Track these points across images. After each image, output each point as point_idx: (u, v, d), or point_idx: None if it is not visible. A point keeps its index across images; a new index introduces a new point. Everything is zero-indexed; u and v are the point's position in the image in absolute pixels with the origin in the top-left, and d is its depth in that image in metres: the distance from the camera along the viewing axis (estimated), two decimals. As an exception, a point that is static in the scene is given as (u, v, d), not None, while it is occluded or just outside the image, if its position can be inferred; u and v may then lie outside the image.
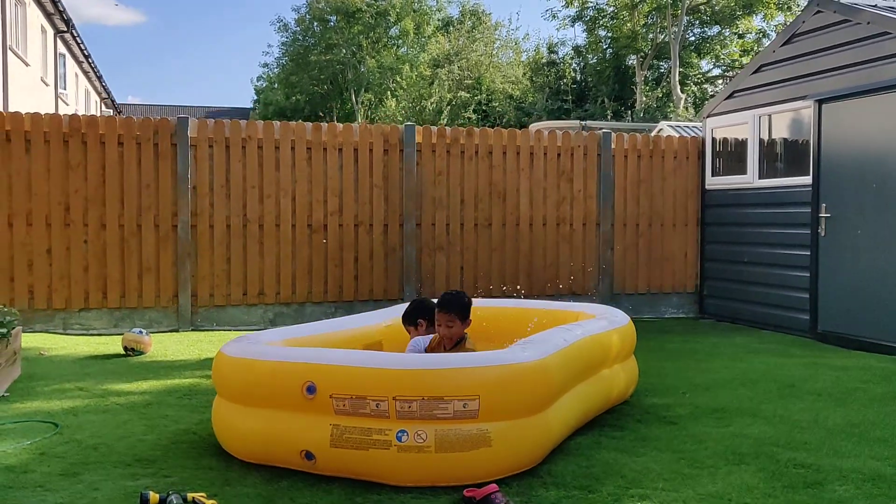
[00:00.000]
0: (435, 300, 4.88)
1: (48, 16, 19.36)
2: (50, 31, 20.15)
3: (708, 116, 10.00)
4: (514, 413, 3.59)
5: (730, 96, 9.60)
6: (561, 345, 4.03)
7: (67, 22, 20.05)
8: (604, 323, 4.87)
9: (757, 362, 6.83)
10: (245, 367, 3.93)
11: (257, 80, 48.19)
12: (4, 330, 5.30)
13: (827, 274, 8.06)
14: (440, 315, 4.40)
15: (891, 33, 7.31)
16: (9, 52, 14.71)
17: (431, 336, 4.58)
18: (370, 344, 4.99)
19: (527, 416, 3.64)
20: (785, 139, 8.83)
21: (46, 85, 19.62)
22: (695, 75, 31.13)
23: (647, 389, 5.60)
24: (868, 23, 7.56)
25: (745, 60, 30.06)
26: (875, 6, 8.00)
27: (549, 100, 27.52)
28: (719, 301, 9.78)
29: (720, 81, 31.84)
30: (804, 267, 8.33)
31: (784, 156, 8.83)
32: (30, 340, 7.33)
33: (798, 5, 27.79)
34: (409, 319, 4.91)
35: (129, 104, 56.16)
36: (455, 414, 3.47)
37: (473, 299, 6.37)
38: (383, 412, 3.51)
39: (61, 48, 21.86)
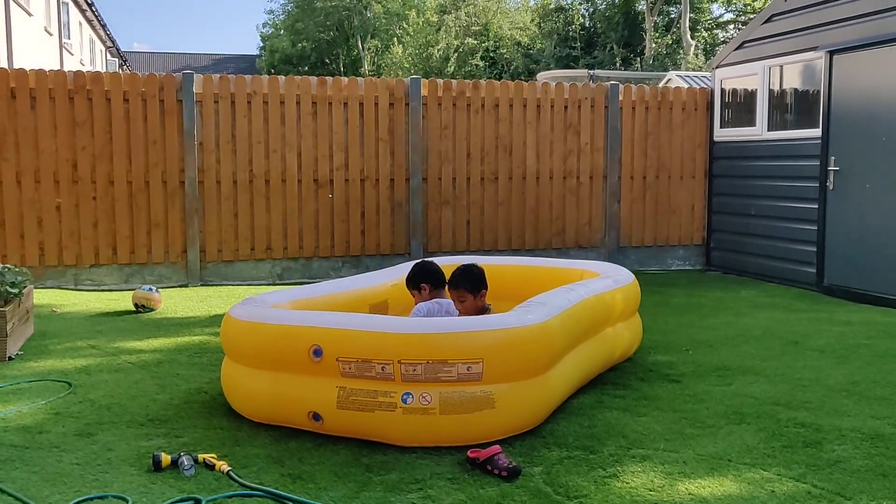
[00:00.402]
0: (434, 261, 4.97)
1: (49, -37, 19.11)
2: (52, -20, 19.90)
3: (717, 67, 9.87)
4: (516, 375, 3.65)
5: (739, 46, 9.46)
6: (563, 306, 4.07)
7: (69, -31, 19.81)
8: (608, 282, 4.89)
9: (762, 317, 6.87)
10: (253, 331, 3.99)
11: (263, 27, 47.66)
12: (16, 290, 5.37)
13: (834, 227, 8.05)
14: (451, 293, 4.49)
15: (905, -17, 7.17)
16: (11, 4, 14.56)
17: (436, 301, 4.64)
18: (376, 304, 5.05)
19: (529, 378, 3.70)
20: (795, 91, 8.73)
21: (50, 35, 19.46)
22: (706, 20, 30.61)
23: (650, 346, 5.66)
24: (882, -28, 7.41)
25: (757, 5, 29.50)
26: (890, -46, 7.83)
27: (557, 47, 27.17)
28: (726, 254, 9.79)
29: (732, 27, 31.31)
30: (812, 220, 8.31)
31: (794, 108, 8.74)
32: (42, 297, 7.43)
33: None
34: (412, 283, 4.94)
35: (135, 51, 55.71)
36: (459, 377, 3.53)
37: (476, 255, 6.41)
38: (389, 375, 3.58)
39: (64, -4, 21.61)
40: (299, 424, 3.83)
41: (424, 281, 4.86)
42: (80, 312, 6.98)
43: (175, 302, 7.49)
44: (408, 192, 9.09)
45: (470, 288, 4.45)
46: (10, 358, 5.22)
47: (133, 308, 7.04)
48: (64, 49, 21.19)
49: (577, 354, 4.27)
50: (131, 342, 5.83)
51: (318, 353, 3.71)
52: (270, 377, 3.92)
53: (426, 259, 5.26)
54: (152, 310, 7.02)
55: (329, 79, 8.87)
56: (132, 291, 7.34)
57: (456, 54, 28.22)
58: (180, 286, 8.44)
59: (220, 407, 4.26)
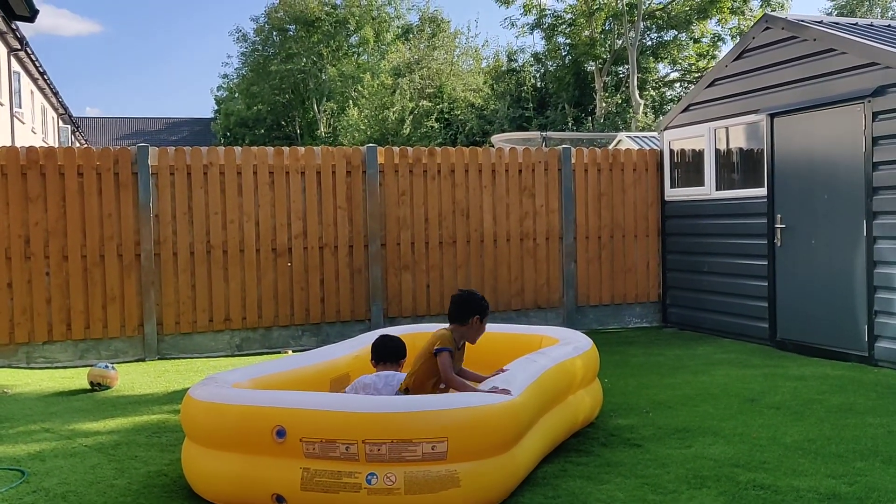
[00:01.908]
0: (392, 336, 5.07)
1: (1, 34, 19.07)
2: (3, 50, 19.84)
3: (665, 129, 10.19)
4: (482, 453, 3.67)
5: (685, 109, 9.80)
6: (527, 381, 4.12)
7: (21, 40, 19.77)
8: (568, 349, 4.97)
9: (718, 375, 6.99)
10: (214, 412, 3.96)
11: (217, 91, 47.86)
12: (-33, 374, 5.26)
13: (784, 283, 8.28)
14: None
15: (836, 50, 7.55)
16: (-38, 76, 14.49)
17: (376, 375, 4.76)
18: (337, 377, 5.04)
19: (495, 455, 3.72)
20: (740, 151, 9.04)
21: (1, 105, 19.33)
22: (653, 80, 31.57)
23: (611, 409, 5.72)
24: (814, 39, 7.79)
25: (701, 64, 30.58)
26: (821, 22, 8.25)
27: (510, 108, 27.73)
28: (682, 310, 9.97)
29: (678, 85, 32.34)
30: (762, 276, 8.54)
31: (740, 167, 9.04)
32: (-7, 377, 7.25)
33: (751, 10, 28.36)
34: (373, 358, 5.04)
35: (88, 117, 55.46)
36: (424, 456, 3.54)
37: (433, 323, 6.47)
38: (353, 455, 3.57)
39: (15, 66, 21.53)
40: (263, 507, 3.78)
41: (377, 357, 4.98)
42: (33, 392, 6.82)
43: (132, 378, 7.36)
44: (367, 258, 9.13)
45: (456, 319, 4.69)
46: (-40, 445, 5.08)
47: (88, 386, 6.90)
48: (15, 118, 21.04)
49: (542, 425, 4.30)
50: (87, 423, 5.71)
51: (281, 433, 3.69)
52: (233, 458, 3.88)
53: (384, 334, 5.30)
54: (108, 387, 6.89)
55: (286, 149, 8.95)
56: (87, 368, 7.20)
57: (411, 116, 28.63)
58: (137, 360, 8.31)
59: (181, 490, 4.19)
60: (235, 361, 8.17)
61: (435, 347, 4.50)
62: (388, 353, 4.93)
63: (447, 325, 4.76)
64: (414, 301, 9.31)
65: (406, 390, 4.53)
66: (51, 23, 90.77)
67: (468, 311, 4.67)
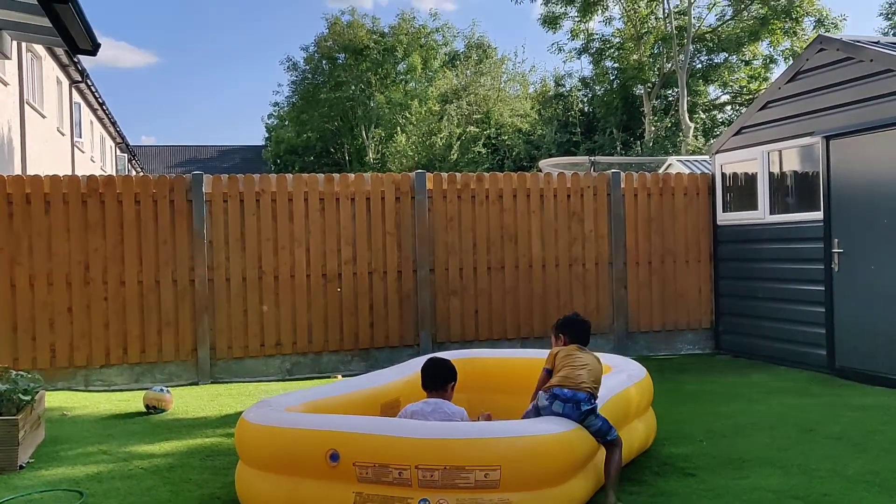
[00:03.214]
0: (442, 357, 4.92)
1: (63, 67, 19.73)
2: (65, 82, 20.52)
3: (717, 153, 10.07)
4: (536, 484, 3.63)
5: (738, 132, 9.67)
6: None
7: (82, 72, 20.43)
8: (622, 378, 4.90)
9: (775, 403, 6.83)
10: (268, 435, 4.00)
11: (268, 119, 48.75)
12: (29, 397, 5.39)
13: (842, 309, 8.07)
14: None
15: (893, 70, 7.39)
16: (26, 107, 15.00)
17: (425, 402, 4.48)
18: (388, 402, 5.05)
19: (549, 487, 3.67)
20: (794, 174, 8.88)
21: (63, 135, 19.96)
22: (703, 103, 31.28)
23: (665, 438, 5.61)
24: (871, 60, 7.64)
25: (753, 87, 30.20)
26: (877, 43, 8.10)
27: (557, 132, 27.69)
28: (735, 337, 9.78)
29: (729, 108, 31.96)
30: (819, 302, 8.33)
31: (794, 191, 8.88)
32: (53, 400, 7.42)
33: (804, 31, 27.96)
34: (436, 385, 4.71)
35: (144, 145, 56.85)
36: (477, 483, 3.52)
37: (481, 347, 6.38)
38: (406, 480, 3.57)
39: (76, 97, 22.24)
40: (316, 532, 3.79)
41: (423, 381, 4.73)
42: (91, 415, 6.97)
43: (186, 401, 7.47)
44: (415, 284, 9.16)
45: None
46: (21, 466, 5.20)
47: (144, 409, 7.03)
48: (76, 148, 21.70)
49: (597, 458, 4.23)
50: (143, 446, 5.80)
51: (334, 457, 3.71)
52: (286, 482, 3.91)
53: (432, 357, 5.11)
54: (163, 410, 7.00)
55: (336, 175, 9.06)
56: (143, 391, 7.34)
57: (458, 142, 28.77)
58: (191, 384, 8.43)
59: (234, 514, 4.23)
60: (286, 386, 8.24)
61: None
62: (434, 377, 4.78)
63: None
64: (462, 326, 9.30)
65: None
66: (110, 55, 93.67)
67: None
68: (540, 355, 5.89)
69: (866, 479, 4.62)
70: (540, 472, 3.65)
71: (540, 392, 4.28)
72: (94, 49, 8.40)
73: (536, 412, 4.19)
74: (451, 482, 3.50)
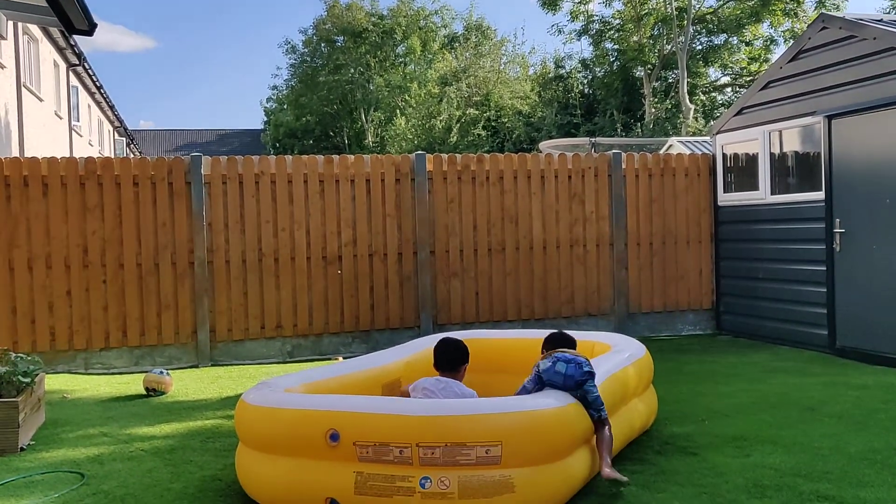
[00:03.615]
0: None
1: (60, 50, 19.61)
2: (62, 66, 20.40)
3: (717, 133, 10.02)
4: (536, 459, 3.62)
5: (738, 113, 9.62)
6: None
7: (79, 55, 20.31)
8: (622, 357, 4.88)
9: (776, 383, 6.82)
10: (267, 416, 3.98)
11: (267, 102, 48.50)
12: (29, 379, 5.38)
13: (843, 289, 8.05)
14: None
15: (897, 49, 7.33)
16: (23, 90, 14.91)
17: (437, 378, 4.49)
18: (389, 383, 5.04)
19: (550, 462, 3.66)
20: (796, 154, 8.84)
21: (60, 118, 19.86)
22: (703, 84, 31.11)
23: (666, 417, 5.61)
24: (874, 38, 7.58)
25: (753, 68, 30.04)
26: (881, 21, 8.03)
27: (557, 114, 27.57)
28: (736, 317, 9.77)
29: (729, 89, 31.81)
30: (820, 282, 8.31)
31: (796, 171, 8.84)
32: (53, 383, 7.42)
33: (805, 12, 27.78)
34: (448, 365, 4.69)
35: (142, 129, 56.67)
36: (478, 460, 3.51)
37: (481, 329, 6.33)
38: (407, 459, 3.55)
39: (73, 81, 22.12)
40: (317, 511, 3.79)
41: (435, 361, 4.74)
42: (91, 398, 6.96)
43: (186, 384, 7.47)
44: (416, 266, 9.14)
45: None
46: (21, 448, 5.20)
47: (144, 392, 7.02)
48: (73, 131, 21.60)
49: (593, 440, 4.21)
50: (143, 428, 5.80)
51: (334, 437, 3.70)
52: (287, 463, 3.89)
53: (445, 338, 5.02)
54: (163, 393, 7.00)
55: (336, 157, 9.01)
56: (143, 374, 7.33)
57: (458, 125, 28.65)
58: (191, 367, 8.43)
59: (235, 494, 4.23)
60: (287, 368, 8.23)
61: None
62: (448, 358, 4.74)
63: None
64: (463, 308, 9.28)
65: None
66: (107, 39, 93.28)
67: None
68: (541, 335, 5.89)
69: (868, 456, 4.62)
70: (540, 446, 3.64)
71: (539, 361, 4.28)
72: (90, 29, 8.30)
73: (535, 383, 4.18)
74: (453, 459, 3.49)
